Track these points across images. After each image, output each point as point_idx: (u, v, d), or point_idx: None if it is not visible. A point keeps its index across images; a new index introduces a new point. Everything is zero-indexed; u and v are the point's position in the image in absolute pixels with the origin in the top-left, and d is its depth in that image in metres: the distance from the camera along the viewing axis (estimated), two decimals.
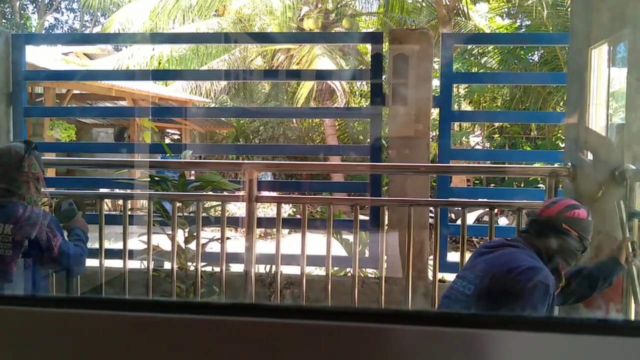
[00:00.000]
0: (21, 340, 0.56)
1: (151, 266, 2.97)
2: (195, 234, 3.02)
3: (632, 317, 2.27)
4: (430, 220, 3.84)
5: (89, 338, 0.55)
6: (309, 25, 13.26)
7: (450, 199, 3.62)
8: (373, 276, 3.74)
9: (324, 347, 0.53)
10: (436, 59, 5.15)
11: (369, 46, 4.20)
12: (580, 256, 1.99)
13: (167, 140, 15.90)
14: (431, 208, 4.31)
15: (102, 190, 4.44)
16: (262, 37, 8.55)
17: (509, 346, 0.52)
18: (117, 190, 4.27)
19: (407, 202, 3.14)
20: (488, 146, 14.30)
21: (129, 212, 3.07)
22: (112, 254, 3.34)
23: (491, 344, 0.52)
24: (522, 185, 10.97)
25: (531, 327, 0.53)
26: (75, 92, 11.15)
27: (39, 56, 9.13)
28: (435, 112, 3.83)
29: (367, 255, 3.73)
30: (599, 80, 2.53)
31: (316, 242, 3.42)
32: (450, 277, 3.59)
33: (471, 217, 9.38)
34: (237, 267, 3.41)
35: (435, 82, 4.30)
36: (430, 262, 3.34)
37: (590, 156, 2.56)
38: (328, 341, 0.53)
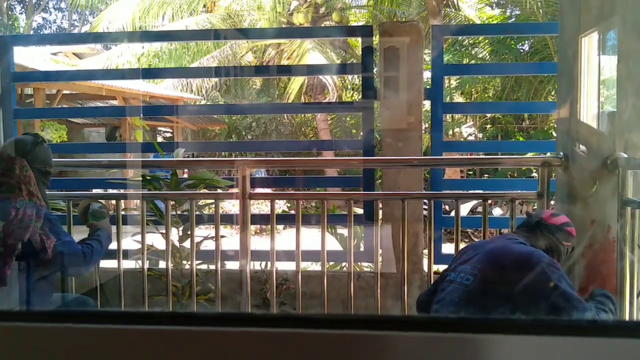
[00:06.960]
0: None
1: (146, 266, 2.96)
2: (189, 232, 3.01)
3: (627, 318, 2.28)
4: (424, 213, 3.84)
5: (72, 352, 0.54)
6: (298, 19, 13.21)
7: (443, 191, 3.62)
8: (368, 270, 3.74)
9: (318, 356, 0.52)
10: (427, 51, 5.14)
11: (359, 39, 4.18)
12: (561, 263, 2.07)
13: (159, 139, 15.79)
14: (425, 200, 4.30)
15: (94, 190, 4.42)
16: (252, 33, 8.50)
17: (507, 350, 0.52)
18: (110, 191, 4.25)
19: (400, 195, 3.14)
20: (481, 137, 14.33)
21: (122, 212, 3.05)
22: (106, 254, 3.31)
23: (487, 349, 0.52)
24: (515, 175, 11.00)
25: (526, 330, 0.52)
26: (65, 92, 11.07)
27: (27, 57, 9.06)
28: (427, 104, 3.82)
29: (362, 249, 3.73)
30: (590, 69, 2.53)
31: (311, 238, 3.42)
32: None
33: (465, 209, 9.40)
34: (232, 265, 3.41)
35: (427, 74, 4.29)
36: (425, 254, 3.34)
37: (582, 145, 2.56)
38: (323, 350, 0.52)
